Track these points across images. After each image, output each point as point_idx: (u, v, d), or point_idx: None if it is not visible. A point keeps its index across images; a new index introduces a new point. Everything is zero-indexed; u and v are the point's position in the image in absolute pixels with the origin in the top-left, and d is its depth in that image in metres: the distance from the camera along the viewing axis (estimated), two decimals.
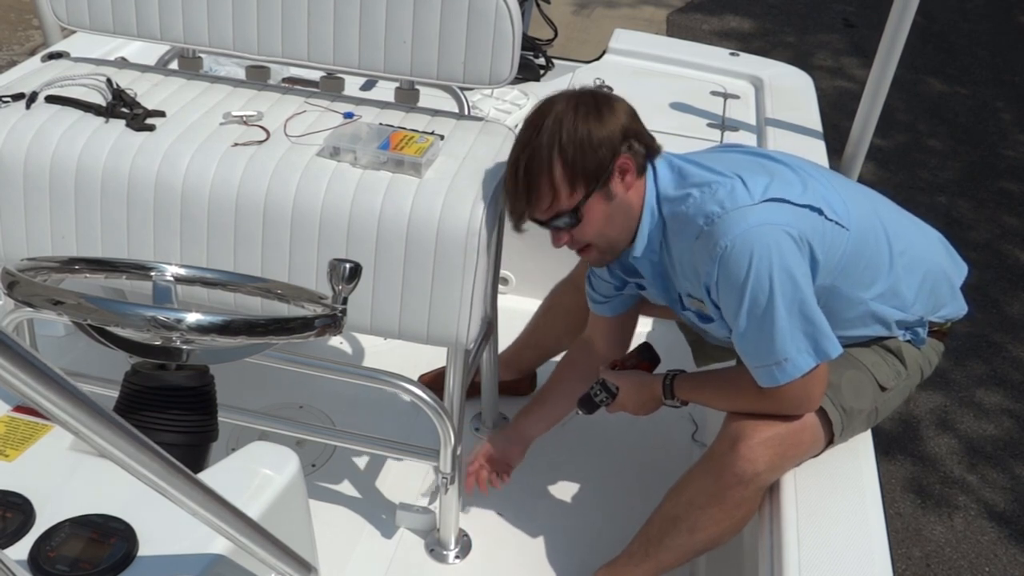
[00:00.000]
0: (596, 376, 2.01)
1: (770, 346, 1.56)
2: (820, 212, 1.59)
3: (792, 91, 3.00)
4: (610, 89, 3.09)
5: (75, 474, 1.14)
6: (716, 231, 1.55)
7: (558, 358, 2.39)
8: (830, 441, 1.71)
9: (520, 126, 1.68)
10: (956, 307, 1.84)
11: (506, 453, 2.05)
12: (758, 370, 1.60)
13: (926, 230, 1.85)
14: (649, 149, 1.67)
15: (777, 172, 1.64)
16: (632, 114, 1.67)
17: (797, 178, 1.63)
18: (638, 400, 1.89)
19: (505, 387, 2.40)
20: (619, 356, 2.02)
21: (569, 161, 1.60)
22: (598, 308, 2.00)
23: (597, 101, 1.64)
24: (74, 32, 2.14)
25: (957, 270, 1.86)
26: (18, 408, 1.23)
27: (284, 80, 2.65)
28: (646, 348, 1.99)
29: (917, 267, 1.75)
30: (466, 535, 2.09)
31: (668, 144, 1.71)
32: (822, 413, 1.67)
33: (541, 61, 3.10)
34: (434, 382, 2.26)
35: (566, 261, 2.29)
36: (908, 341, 1.79)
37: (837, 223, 1.61)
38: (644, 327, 2.66)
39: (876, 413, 1.78)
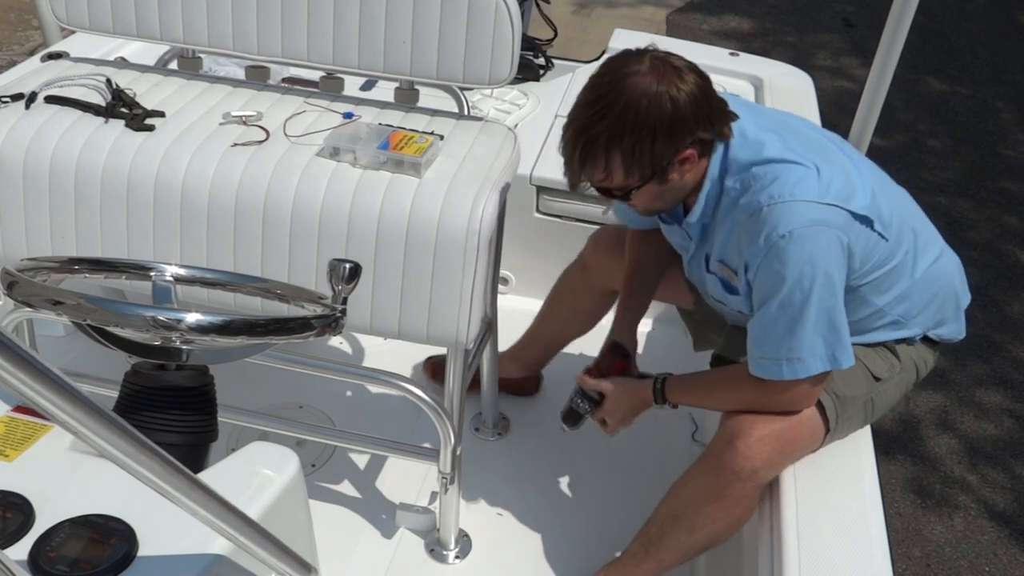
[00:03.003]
0: (667, 260, 1.99)
1: (788, 342, 1.56)
2: (871, 224, 1.59)
3: (792, 91, 3.00)
4: None
5: (75, 474, 1.14)
6: (777, 215, 1.52)
7: (565, 351, 2.39)
8: (827, 431, 1.71)
9: (585, 88, 1.59)
10: (956, 329, 1.86)
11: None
12: (764, 361, 1.60)
13: (949, 252, 1.85)
14: (718, 135, 1.60)
15: (847, 171, 1.60)
16: (705, 99, 1.56)
17: (861, 183, 1.61)
18: (628, 406, 1.88)
19: (511, 385, 2.40)
20: (667, 266, 2.01)
21: (629, 154, 1.55)
22: (642, 223, 1.97)
23: (671, 87, 1.52)
24: (74, 32, 2.14)
25: (965, 297, 1.87)
26: (18, 408, 1.23)
27: (284, 80, 2.65)
28: (617, 347, 1.97)
29: (932, 283, 1.76)
30: (466, 535, 2.09)
31: None
32: (816, 402, 1.67)
33: (541, 61, 3.10)
34: (437, 370, 2.26)
35: (566, 261, 2.29)
36: (900, 340, 1.79)
37: (881, 235, 1.61)
38: (644, 328, 2.65)
39: (872, 404, 1.77)
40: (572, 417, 1.96)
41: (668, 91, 1.52)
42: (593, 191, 1.69)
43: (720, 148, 1.62)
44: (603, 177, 1.61)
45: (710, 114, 1.57)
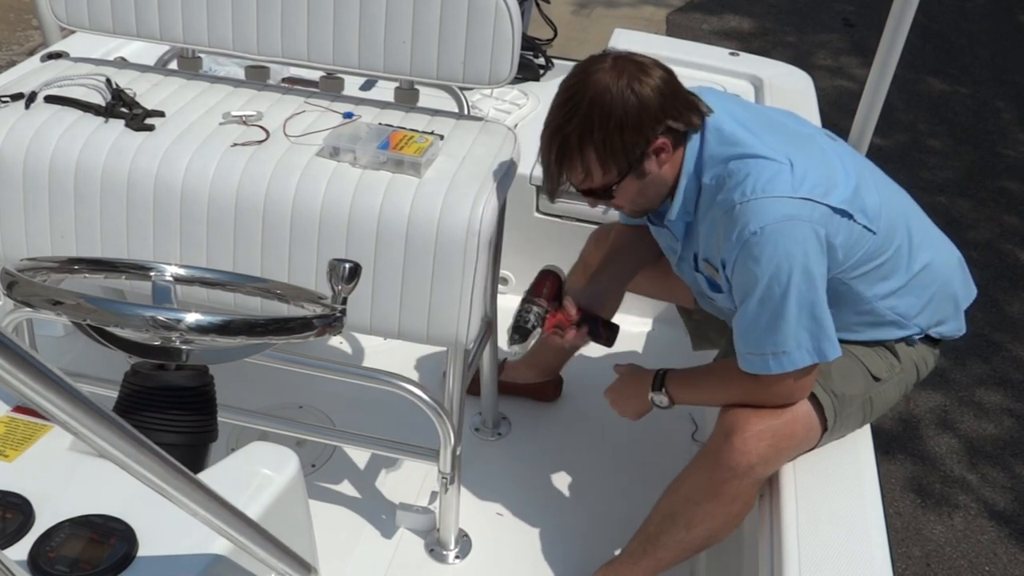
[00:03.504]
0: (648, 256, 1.98)
1: (772, 336, 1.57)
2: (852, 217, 1.59)
3: (792, 91, 3.00)
4: None
5: (75, 474, 1.14)
6: (749, 212, 1.53)
7: (582, 352, 2.39)
8: (825, 430, 1.70)
9: (557, 94, 1.64)
10: (956, 327, 1.85)
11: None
12: (751, 356, 1.61)
13: (949, 248, 1.85)
14: (688, 124, 1.62)
15: (829, 165, 1.61)
16: (672, 91, 1.60)
17: (844, 177, 1.61)
18: (624, 391, 1.90)
19: (531, 391, 2.39)
20: (651, 258, 1.99)
21: (602, 149, 1.58)
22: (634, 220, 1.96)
23: (633, 80, 1.56)
24: (73, 32, 2.14)
25: (966, 293, 1.86)
26: (18, 408, 1.23)
27: (284, 80, 2.65)
28: (547, 271, 1.88)
29: (930, 283, 1.75)
30: (466, 535, 2.09)
31: None
32: (814, 400, 1.68)
33: (541, 61, 3.10)
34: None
35: (566, 261, 2.29)
36: (900, 340, 1.79)
37: (866, 227, 1.61)
38: (644, 327, 2.66)
39: (871, 404, 1.77)
40: (521, 332, 1.80)
41: (631, 84, 1.56)
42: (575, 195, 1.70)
43: (696, 142, 1.64)
44: (583, 177, 1.64)
45: (676, 104, 1.61)
